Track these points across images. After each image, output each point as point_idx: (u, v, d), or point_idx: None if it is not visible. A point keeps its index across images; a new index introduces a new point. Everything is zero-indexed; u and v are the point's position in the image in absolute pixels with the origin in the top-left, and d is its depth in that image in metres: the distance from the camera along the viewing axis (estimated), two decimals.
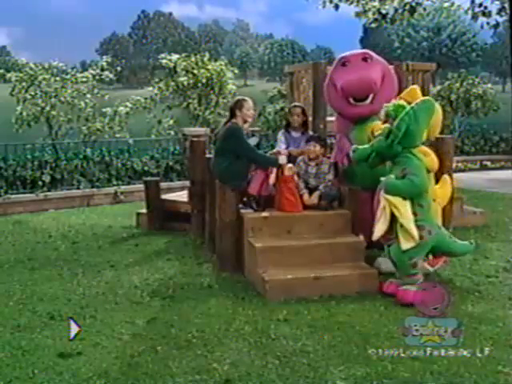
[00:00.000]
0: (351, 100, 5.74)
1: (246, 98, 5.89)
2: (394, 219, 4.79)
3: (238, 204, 5.75)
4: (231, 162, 5.64)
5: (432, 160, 5.04)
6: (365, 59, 5.82)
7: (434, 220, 4.97)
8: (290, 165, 5.76)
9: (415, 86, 5.36)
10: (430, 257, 5.20)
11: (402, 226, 4.74)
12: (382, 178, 4.89)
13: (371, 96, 5.68)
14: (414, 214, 4.78)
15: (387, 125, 4.96)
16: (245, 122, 5.76)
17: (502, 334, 4.12)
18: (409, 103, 4.95)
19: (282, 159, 5.77)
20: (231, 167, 5.64)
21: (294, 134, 6.35)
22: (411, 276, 4.82)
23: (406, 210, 4.74)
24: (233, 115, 5.79)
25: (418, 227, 4.76)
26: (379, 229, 4.81)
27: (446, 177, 5.45)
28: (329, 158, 6.11)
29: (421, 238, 4.77)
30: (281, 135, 6.44)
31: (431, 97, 5.81)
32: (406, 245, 4.74)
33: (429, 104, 4.97)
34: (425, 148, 5.07)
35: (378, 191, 4.96)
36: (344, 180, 5.97)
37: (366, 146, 5.17)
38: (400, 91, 5.78)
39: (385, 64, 6.01)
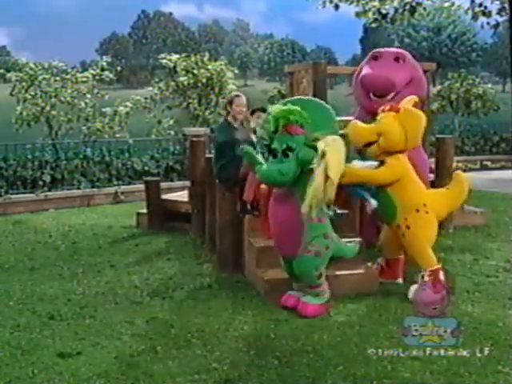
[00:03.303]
0: (371, 94, 5.78)
1: (239, 94, 5.90)
2: None
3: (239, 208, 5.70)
4: (224, 162, 5.64)
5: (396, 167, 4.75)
6: (397, 59, 5.87)
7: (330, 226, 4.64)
8: None
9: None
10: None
11: None
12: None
13: (392, 94, 5.68)
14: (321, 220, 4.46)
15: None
16: (235, 118, 5.75)
17: (502, 333, 4.12)
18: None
19: None
20: (224, 167, 5.65)
21: None
22: (315, 287, 4.58)
23: None
24: (228, 112, 5.83)
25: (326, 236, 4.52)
26: None
27: (459, 174, 4.99)
28: None
29: (326, 247, 4.53)
30: None
31: (431, 96, 5.75)
32: None
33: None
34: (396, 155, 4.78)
35: None
36: None
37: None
38: None
39: (416, 67, 6.02)
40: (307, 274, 4.56)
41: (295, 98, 4.89)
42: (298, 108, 4.41)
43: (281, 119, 4.38)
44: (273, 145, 4.47)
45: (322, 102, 4.72)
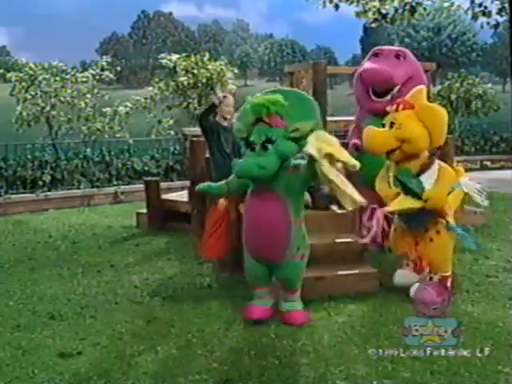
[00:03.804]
0: (371, 93, 5.76)
1: (226, 94, 5.94)
2: None
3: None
4: (211, 158, 5.71)
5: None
6: (397, 56, 5.86)
7: None
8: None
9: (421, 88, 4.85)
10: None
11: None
12: None
13: (392, 93, 5.66)
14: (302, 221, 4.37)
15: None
16: (224, 118, 5.76)
17: (502, 333, 4.12)
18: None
19: None
20: (212, 163, 5.70)
21: None
22: (295, 292, 4.45)
23: None
24: (216, 112, 5.88)
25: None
26: None
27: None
28: None
29: (307, 248, 4.45)
30: None
31: (432, 95, 5.69)
32: None
33: None
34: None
35: None
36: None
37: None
38: None
39: (417, 65, 5.98)
40: (296, 280, 4.43)
41: (275, 88, 4.59)
42: (279, 98, 4.10)
43: (261, 109, 4.07)
44: (251, 137, 4.14)
45: (303, 92, 4.45)
